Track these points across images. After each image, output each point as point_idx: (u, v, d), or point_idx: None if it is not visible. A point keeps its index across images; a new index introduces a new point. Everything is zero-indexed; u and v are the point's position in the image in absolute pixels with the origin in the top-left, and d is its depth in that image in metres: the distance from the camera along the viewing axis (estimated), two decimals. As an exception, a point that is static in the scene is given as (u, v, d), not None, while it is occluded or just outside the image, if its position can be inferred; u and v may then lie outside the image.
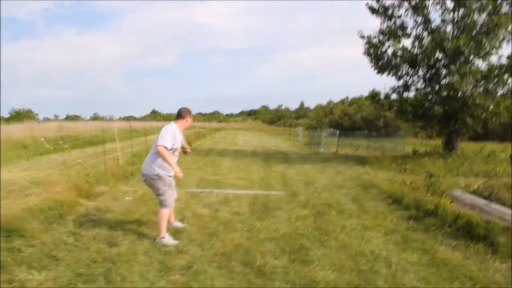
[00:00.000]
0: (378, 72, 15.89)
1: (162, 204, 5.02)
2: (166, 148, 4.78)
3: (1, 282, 3.76)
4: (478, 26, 13.59)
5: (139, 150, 14.18)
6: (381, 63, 15.60)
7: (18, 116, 53.27)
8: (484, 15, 13.77)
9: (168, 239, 4.92)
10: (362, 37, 15.80)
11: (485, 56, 13.84)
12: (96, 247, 4.75)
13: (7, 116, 57.18)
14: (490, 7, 13.46)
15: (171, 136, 4.89)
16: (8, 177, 9.69)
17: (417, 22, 15.21)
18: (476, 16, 13.82)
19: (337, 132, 23.89)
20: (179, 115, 5.15)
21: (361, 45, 16.03)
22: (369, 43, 15.67)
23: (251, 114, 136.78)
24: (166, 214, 5.06)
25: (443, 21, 14.55)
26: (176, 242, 4.92)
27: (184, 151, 5.49)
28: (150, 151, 5.11)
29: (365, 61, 16.03)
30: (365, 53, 15.97)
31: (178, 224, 5.67)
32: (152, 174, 4.94)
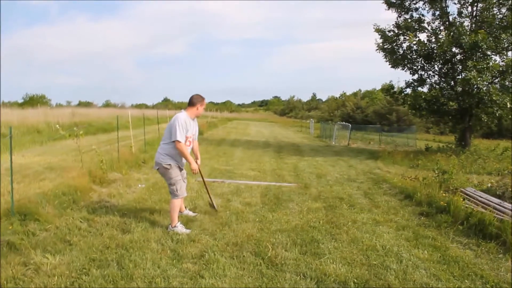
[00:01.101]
0: (393, 67, 15.73)
1: (174, 194, 5.05)
2: (180, 141, 4.79)
3: (16, 264, 3.83)
4: (497, 21, 13.34)
5: (151, 138, 14.27)
6: (395, 57, 15.43)
7: (32, 101, 53.91)
8: (504, 10, 13.51)
9: (180, 228, 4.96)
10: (377, 30, 15.60)
11: (503, 51, 13.62)
12: (109, 233, 4.82)
13: (20, 101, 58.02)
14: (510, 1, 13.19)
15: (182, 126, 4.84)
16: (23, 162, 9.84)
17: (434, 16, 14.99)
18: (495, 10, 13.58)
19: (349, 125, 23.77)
20: (190, 102, 5.06)
21: (373, 39, 15.84)
22: (384, 37, 15.47)
23: (263, 104, 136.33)
24: (178, 204, 5.10)
25: (460, 14, 14.31)
26: (188, 231, 4.96)
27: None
28: (162, 141, 5.11)
29: (377, 55, 15.83)
30: (379, 47, 15.78)
31: (190, 213, 5.71)
32: (165, 163, 4.96)
